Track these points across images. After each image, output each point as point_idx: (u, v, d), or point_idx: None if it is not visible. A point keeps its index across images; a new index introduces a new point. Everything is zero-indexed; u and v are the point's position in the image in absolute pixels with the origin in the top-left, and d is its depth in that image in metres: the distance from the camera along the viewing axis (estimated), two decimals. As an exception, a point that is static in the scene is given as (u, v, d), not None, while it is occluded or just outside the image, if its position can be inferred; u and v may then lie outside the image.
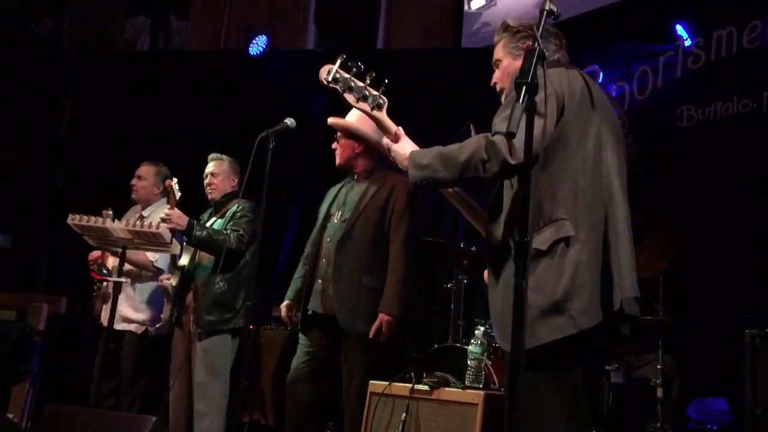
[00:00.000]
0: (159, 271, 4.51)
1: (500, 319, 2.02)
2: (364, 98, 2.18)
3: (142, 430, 2.34)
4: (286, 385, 3.60)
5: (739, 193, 4.35)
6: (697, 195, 4.45)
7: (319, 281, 3.61)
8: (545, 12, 1.83)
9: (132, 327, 4.35)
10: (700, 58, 4.71)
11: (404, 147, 2.16)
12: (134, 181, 4.63)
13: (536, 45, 1.71)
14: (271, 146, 3.17)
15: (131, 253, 4.12)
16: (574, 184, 2.04)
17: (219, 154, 4.28)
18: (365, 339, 3.45)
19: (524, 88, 1.69)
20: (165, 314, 4.08)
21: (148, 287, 4.43)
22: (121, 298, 4.14)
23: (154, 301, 4.46)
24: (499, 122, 1.98)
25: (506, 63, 2.30)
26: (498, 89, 2.35)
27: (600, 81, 5.04)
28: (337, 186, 3.87)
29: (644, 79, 4.92)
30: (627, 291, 2.01)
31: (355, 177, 3.77)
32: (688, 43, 4.79)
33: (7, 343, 4.72)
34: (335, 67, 2.15)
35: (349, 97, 2.18)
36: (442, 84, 5.51)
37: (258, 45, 6.23)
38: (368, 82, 2.18)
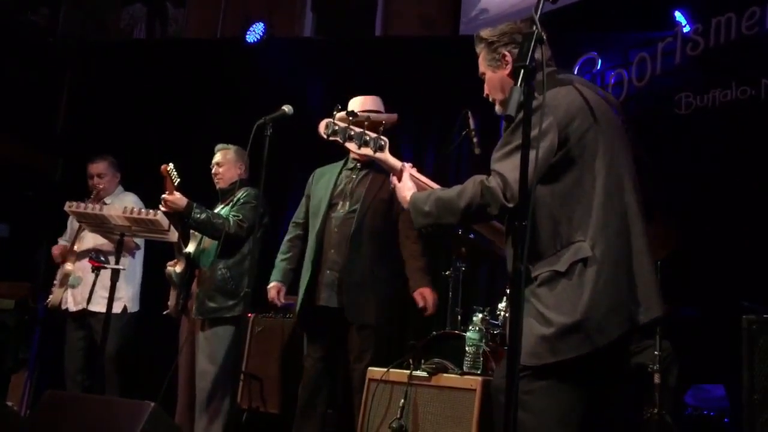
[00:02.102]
0: (137, 248, 4.55)
1: (524, 334, 2.00)
2: (366, 143, 2.27)
3: (141, 416, 2.34)
4: (302, 385, 3.64)
5: (737, 181, 4.34)
6: (695, 182, 4.45)
7: (328, 272, 3.61)
8: (542, -5, 1.82)
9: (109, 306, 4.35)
10: (698, 44, 4.69)
11: (405, 189, 2.25)
12: (96, 181, 4.63)
13: (534, 29, 1.71)
14: (268, 133, 3.17)
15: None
16: (588, 205, 2.07)
17: (225, 144, 4.30)
18: (373, 329, 3.51)
19: (522, 72, 1.69)
20: (171, 301, 4.09)
21: (124, 265, 4.44)
22: (97, 279, 4.13)
23: (130, 278, 4.49)
24: (499, 159, 2.04)
25: (489, 76, 2.35)
26: (491, 100, 2.38)
27: (598, 68, 5.02)
28: (333, 169, 3.83)
29: (643, 66, 4.90)
30: (655, 311, 2.08)
31: (358, 165, 3.76)
32: (686, 29, 4.76)
33: (6, 332, 4.74)
34: (332, 120, 2.26)
35: (351, 146, 2.28)
36: (440, 72, 5.49)
37: (255, 33, 6.20)
38: (366, 125, 2.24)
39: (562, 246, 2.05)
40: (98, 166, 4.67)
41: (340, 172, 3.79)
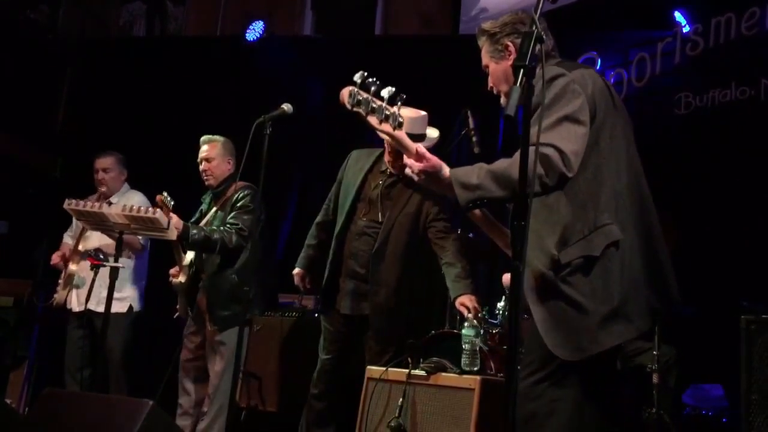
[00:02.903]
0: (144, 248, 4.54)
1: (555, 327, 2.01)
2: (387, 119, 2.13)
3: (139, 414, 2.33)
4: (316, 375, 3.65)
5: (736, 180, 4.35)
6: (694, 182, 4.45)
7: (348, 280, 3.60)
8: (543, -5, 1.82)
9: (115, 307, 4.35)
10: (698, 44, 4.70)
11: (441, 166, 2.11)
12: (101, 176, 4.60)
13: (534, 28, 1.71)
14: (268, 131, 3.17)
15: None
16: (613, 187, 2.05)
17: (211, 136, 4.21)
18: (392, 336, 3.52)
19: (522, 71, 1.69)
20: (180, 306, 4.09)
21: (129, 264, 4.44)
22: (99, 279, 4.14)
23: (136, 278, 4.49)
24: (543, 131, 1.91)
25: (492, 67, 2.33)
26: (495, 92, 2.36)
27: (598, 68, 5.02)
28: (367, 158, 3.70)
29: (642, 66, 4.91)
30: (675, 296, 2.07)
31: (389, 171, 3.64)
32: (686, 29, 4.77)
33: (4, 330, 4.73)
34: (356, 88, 2.10)
35: (373, 120, 2.13)
36: (440, 71, 5.49)
37: (255, 31, 6.19)
38: (386, 100, 2.15)
39: (590, 230, 2.01)
40: (105, 161, 4.65)
41: (371, 169, 3.69)
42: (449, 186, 2.06)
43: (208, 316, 3.96)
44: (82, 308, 4.36)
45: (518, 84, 1.69)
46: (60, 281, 4.44)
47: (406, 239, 3.58)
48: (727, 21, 4.59)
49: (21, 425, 2.81)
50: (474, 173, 2.02)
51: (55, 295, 4.43)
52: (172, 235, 3.89)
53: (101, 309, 4.23)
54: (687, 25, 4.77)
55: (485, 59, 2.34)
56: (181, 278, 4.02)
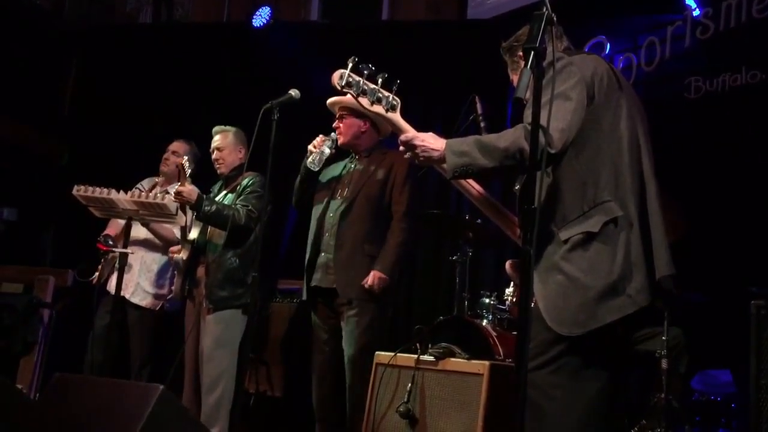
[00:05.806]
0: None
1: (555, 305, 2.03)
2: (378, 101, 2.18)
3: (149, 398, 2.34)
4: (315, 382, 3.67)
5: (746, 165, 4.32)
6: (704, 167, 4.42)
7: (323, 254, 3.66)
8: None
9: (149, 301, 4.36)
10: (708, 28, 4.65)
11: (435, 137, 2.16)
12: (168, 155, 4.60)
13: (544, 9, 1.70)
14: (275, 118, 3.16)
15: (157, 227, 4.20)
16: (613, 166, 2.07)
17: (223, 126, 4.26)
18: (363, 305, 3.52)
19: (532, 53, 1.68)
20: (176, 287, 4.11)
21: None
22: (141, 270, 4.17)
23: (174, 275, 4.49)
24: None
25: (515, 81, 2.41)
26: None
27: (607, 52, 4.99)
28: (341, 163, 3.88)
29: (652, 50, 4.87)
30: (663, 269, 2.05)
31: (357, 156, 3.81)
32: (696, 13, 4.72)
33: (14, 316, 4.75)
34: (347, 71, 2.15)
35: (363, 101, 2.19)
36: (447, 56, 5.47)
37: (261, 17, 6.17)
38: (380, 83, 2.17)
39: (589, 207, 2.04)
40: (177, 145, 4.63)
41: (344, 166, 3.84)
42: (437, 157, 2.11)
43: (206, 292, 3.97)
44: (120, 294, 4.36)
45: (528, 66, 1.68)
46: (102, 261, 4.44)
47: (373, 205, 3.66)
48: (738, 4, 4.54)
49: (32, 410, 2.82)
50: (464, 141, 2.09)
51: (96, 274, 4.43)
52: (181, 221, 3.90)
53: (136, 299, 4.31)
54: (697, 9, 4.72)
55: (510, 74, 2.41)
56: (183, 254, 4.04)
